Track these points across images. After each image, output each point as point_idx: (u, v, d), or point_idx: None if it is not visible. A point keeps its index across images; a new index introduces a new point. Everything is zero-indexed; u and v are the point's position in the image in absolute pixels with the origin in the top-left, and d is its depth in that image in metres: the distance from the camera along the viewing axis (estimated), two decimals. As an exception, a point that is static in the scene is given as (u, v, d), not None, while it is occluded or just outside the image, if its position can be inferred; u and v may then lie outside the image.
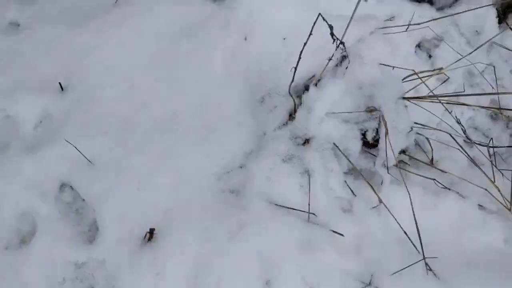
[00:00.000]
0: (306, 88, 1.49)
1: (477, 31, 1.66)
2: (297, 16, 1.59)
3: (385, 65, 1.47)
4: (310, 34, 1.28)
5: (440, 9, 1.79)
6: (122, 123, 1.48)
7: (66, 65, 1.64)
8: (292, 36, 1.54)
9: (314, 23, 1.26)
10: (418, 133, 1.50)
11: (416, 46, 1.68)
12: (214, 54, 1.57)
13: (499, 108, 1.41)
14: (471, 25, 1.66)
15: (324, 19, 1.27)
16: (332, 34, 1.31)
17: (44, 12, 1.84)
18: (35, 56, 1.69)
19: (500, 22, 1.78)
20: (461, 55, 1.56)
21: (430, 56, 1.68)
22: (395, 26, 1.55)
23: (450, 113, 1.38)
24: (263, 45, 1.56)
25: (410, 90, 1.42)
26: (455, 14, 1.47)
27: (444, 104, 1.37)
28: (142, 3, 1.77)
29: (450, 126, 1.52)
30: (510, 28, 1.75)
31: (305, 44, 1.30)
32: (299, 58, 1.33)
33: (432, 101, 1.35)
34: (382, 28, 1.57)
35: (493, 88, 1.61)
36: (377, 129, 1.41)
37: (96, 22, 1.74)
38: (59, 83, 1.59)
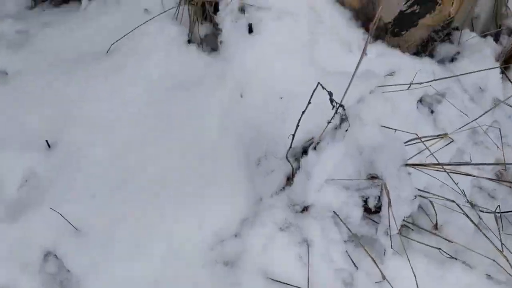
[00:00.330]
0: (305, 151, 1.42)
1: (480, 87, 1.61)
2: (294, 73, 1.53)
3: (387, 127, 1.42)
4: (309, 103, 1.22)
5: (441, 61, 1.74)
6: (111, 186, 1.41)
7: (55, 119, 1.57)
8: (290, 95, 1.49)
9: (313, 93, 1.21)
10: (421, 196, 1.44)
11: (418, 102, 1.62)
12: (209, 111, 1.51)
13: (505, 181, 1.35)
14: (474, 81, 1.61)
15: (323, 88, 1.21)
16: (331, 100, 1.26)
17: (34, 60, 1.78)
18: (22, 109, 1.62)
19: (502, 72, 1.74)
20: (466, 115, 1.52)
21: (432, 112, 1.63)
22: (396, 85, 1.50)
23: (456, 184, 1.32)
24: (260, 104, 1.50)
25: (414, 156, 1.36)
26: (459, 75, 1.42)
27: (449, 171, 1.30)
28: (134, 53, 1.71)
29: (454, 189, 1.46)
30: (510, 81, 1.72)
31: (303, 112, 1.24)
32: (297, 126, 1.27)
33: (437, 170, 1.29)
34: (383, 86, 1.52)
35: (498, 147, 1.55)
36: (379, 197, 1.34)
37: (87, 72, 1.67)
38: (46, 140, 1.52)
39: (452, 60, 1.73)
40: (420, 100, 1.64)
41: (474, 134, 1.59)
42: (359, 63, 1.27)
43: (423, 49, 1.77)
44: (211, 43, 1.76)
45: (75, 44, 1.82)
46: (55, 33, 1.88)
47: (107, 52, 1.74)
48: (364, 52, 1.26)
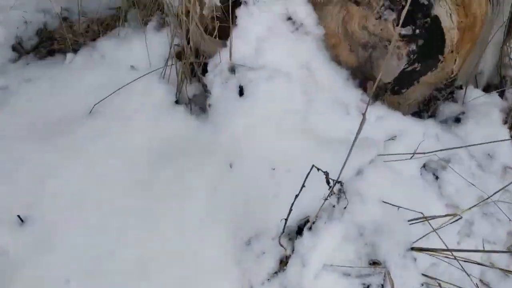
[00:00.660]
0: (299, 230, 1.30)
1: (489, 154, 1.50)
2: (288, 141, 1.43)
3: (389, 203, 1.30)
4: (303, 186, 1.11)
5: (444, 121, 1.64)
6: (85, 272, 1.28)
7: (29, 192, 1.45)
8: (283, 167, 1.38)
9: (307, 176, 1.09)
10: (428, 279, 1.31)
11: (421, 168, 1.51)
12: (196, 185, 1.39)
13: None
14: (481, 147, 1.49)
15: (318, 169, 1.10)
16: (327, 182, 1.15)
17: (12, 123, 1.66)
18: (-4, 180, 1.50)
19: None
20: (474, 185, 1.40)
21: (437, 178, 1.51)
22: (397, 154, 1.39)
23: (469, 276, 1.19)
24: (250, 175, 1.39)
25: (420, 239, 1.24)
26: (467, 146, 1.31)
27: (459, 259, 1.18)
28: (118, 116, 1.61)
29: (462, 269, 1.33)
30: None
31: (296, 196, 1.13)
32: (290, 210, 1.15)
33: (447, 257, 1.17)
34: (383, 155, 1.41)
35: (510, 220, 1.43)
36: (382, 285, 1.21)
37: (66, 138, 1.56)
38: (18, 215, 1.40)
39: (456, 120, 1.63)
40: (424, 165, 1.52)
41: (483, 203, 1.47)
42: (357, 135, 1.17)
43: (425, 108, 1.67)
44: (200, 102, 1.67)
45: (57, 103, 1.72)
46: (37, 90, 1.79)
47: (90, 113, 1.64)
48: (362, 124, 1.16)
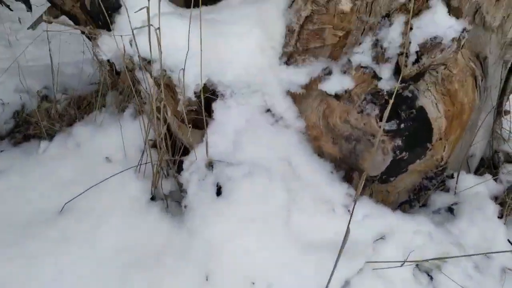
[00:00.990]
0: None
1: (486, 254, 1.39)
2: (268, 249, 1.32)
3: (380, 323, 1.19)
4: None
5: (436, 212, 1.55)
6: None
7: (-11, 310, 1.34)
8: (263, 280, 1.27)
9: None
10: None
11: (414, 267, 1.40)
12: (169, 301, 1.28)
13: None
14: (478, 246, 1.39)
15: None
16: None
17: (-22, 223, 1.58)
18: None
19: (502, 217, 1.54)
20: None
21: (431, 278, 1.40)
22: (387, 262, 1.29)
23: None
24: (229, 290, 1.27)
25: None
26: (465, 255, 1.21)
27: None
28: (90, 215, 1.51)
29: None
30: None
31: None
32: None
33: None
34: (372, 262, 1.31)
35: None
36: None
37: (34, 243, 1.46)
38: None
39: (450, 210, 1.54)
40: (417, 265, 1.42)
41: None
42: (341, 250, 1.09)
43: (416, 197, 1.59)
44: (177, 197, 1.58)
45: (27, 199, 1.62)
46: (8, 184, 1.70)
47: (60, 211, 1.55)
48: (347, 238, 1.08)
